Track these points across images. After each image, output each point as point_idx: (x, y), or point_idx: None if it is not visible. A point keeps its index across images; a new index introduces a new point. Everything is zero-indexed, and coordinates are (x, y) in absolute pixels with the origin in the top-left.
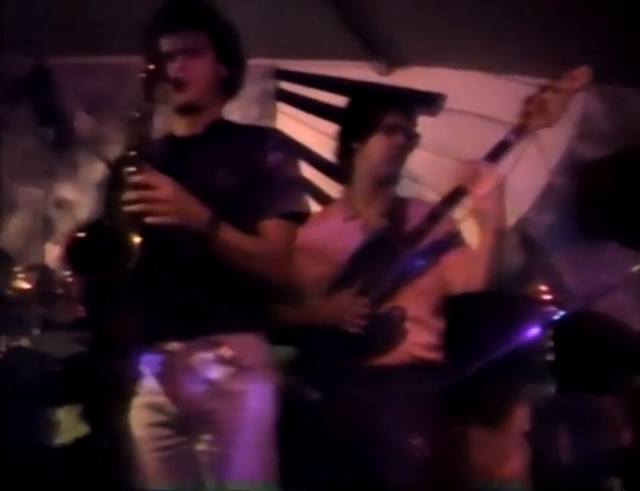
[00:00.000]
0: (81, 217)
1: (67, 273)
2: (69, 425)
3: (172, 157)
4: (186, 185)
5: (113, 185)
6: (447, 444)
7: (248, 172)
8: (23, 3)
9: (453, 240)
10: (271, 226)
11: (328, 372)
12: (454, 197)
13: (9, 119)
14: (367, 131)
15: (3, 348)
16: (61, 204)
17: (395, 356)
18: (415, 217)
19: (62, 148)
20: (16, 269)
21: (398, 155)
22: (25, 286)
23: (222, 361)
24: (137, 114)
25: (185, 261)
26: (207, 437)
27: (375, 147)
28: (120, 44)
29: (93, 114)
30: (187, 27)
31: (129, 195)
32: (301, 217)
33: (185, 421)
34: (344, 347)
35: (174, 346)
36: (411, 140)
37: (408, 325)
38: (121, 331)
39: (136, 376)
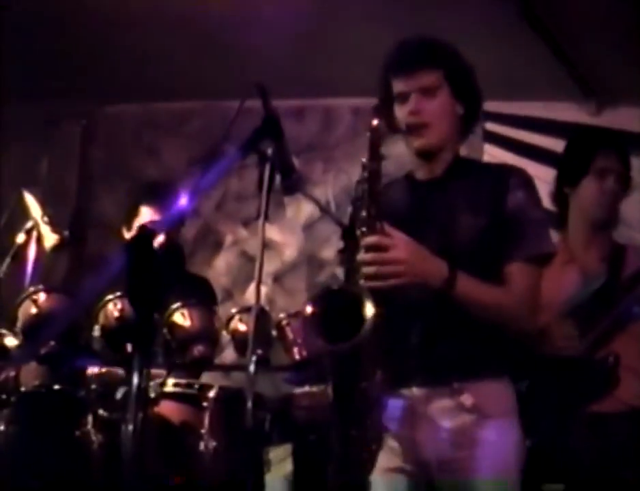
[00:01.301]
0: (287, 257)
1: (314, 339)
2: (279, 463)
3: (412, 201)
4: (427, 232)
5: (351, 248)
6: None
7: (492, 214)
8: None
9: None
10: (517, 271)
11: (545, 416)
12: None
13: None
14: (579, 174)
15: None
16: (268, 245)
17: (609, 405)
18: (634, 263)
19: (292, 194)
20: (233, 311)
21: (610, 199)
22: (242, 327)
23: (463, 408)
24: (365, 174)
25: (430, 308)
26: (447, 483)
27: (587, 191)
28: (327, 87)
29: (299, 158)
30: (422, 66)
31: (364, 257)
32: (547, 258)
33: (425, 468)
34: (560, 392)
35: (415, 391)
36: (624, 183)
37: (622, 374)
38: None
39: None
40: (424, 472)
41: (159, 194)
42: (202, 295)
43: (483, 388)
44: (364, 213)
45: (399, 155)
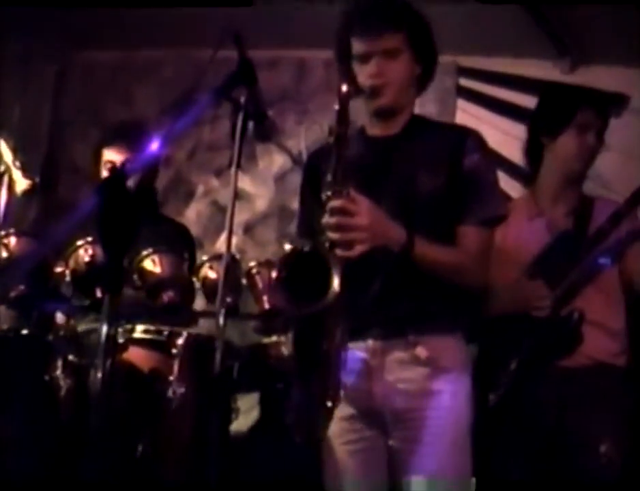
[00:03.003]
0: (258, 208)
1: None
2: (247, 411)
3: (370, 159)
4: (387, 189)
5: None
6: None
7: (448, 174)
8: None
9: (634, 238)
10: (471, 233)
11: (511, 372)
12: (638, 197)
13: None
14: (558, 127)
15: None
16: (239, 195)
17: (576, 360)
18: (600, 217)
19: (265, 141)
20: (204, 258)
21: (589, 154)
22: (212, 275)
23: (418, 361)
24: (331, 139)
25: (388, 264)
26: (400, 434)
27: (567, 144)
28: (301, 38)
29: (272, 108)
30: (386, 29)
31: (328, 221)
32: (499, 221)
33: (377, 415)
34: (527, 348)
35: (371, 343)
36: (601, 140)
37: (588, 329)
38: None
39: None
40: (378, 421)
41: (124, 135)
42: (176, 241)
43: (437, 341)
44: (329, 177)
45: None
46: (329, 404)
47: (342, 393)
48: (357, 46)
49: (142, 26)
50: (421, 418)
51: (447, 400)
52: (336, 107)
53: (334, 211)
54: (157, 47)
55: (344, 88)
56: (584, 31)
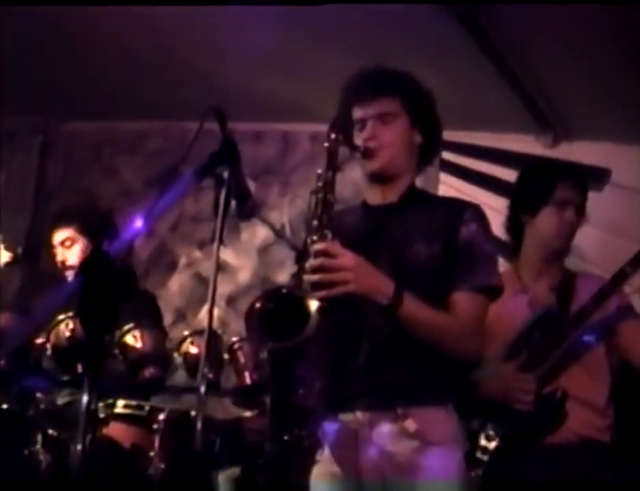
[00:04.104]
0: (241, 280)
1: (252, 338)
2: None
3: (366, 226)
4: (380, 256)
5: (302, 254)
6: None
7: (444, 243)
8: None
9: (626, 313)
10: (463, 300)
11: (493, 450)
12: (622, 276)
13: (192, 189)
14: (538, 203)
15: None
16: (222, 267)
17: (561, 436)
18: (583, 292)
19: (247, 219)
20: (186, 333)
21: (569, 230)
22: (194, 350)
23: (406, 434)
24: (320, 184)
25: (378, 330)
26: None
27: (546, 221)
28: (285, 112)
29: (257, 181)
30: (381, 94)
31: (312, 263)
32: (495, 291)
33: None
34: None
35: (359, 415)
36: (582, 215)
37: (572, 405)
38: (304, 398)
39: (317, 444)
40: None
41: (69, 218)
42: (148, 311)
43: (427, 414)
44: (315, 222)
45: (355, 180)
46: (306, 443)
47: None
48: (355, 112)
49: (127, 97)
50: None
51: (436, 475)
52: (325, 152)
53: (318, 253)
54: (141, 119)
55: (333, 135)
56: (566, 106)
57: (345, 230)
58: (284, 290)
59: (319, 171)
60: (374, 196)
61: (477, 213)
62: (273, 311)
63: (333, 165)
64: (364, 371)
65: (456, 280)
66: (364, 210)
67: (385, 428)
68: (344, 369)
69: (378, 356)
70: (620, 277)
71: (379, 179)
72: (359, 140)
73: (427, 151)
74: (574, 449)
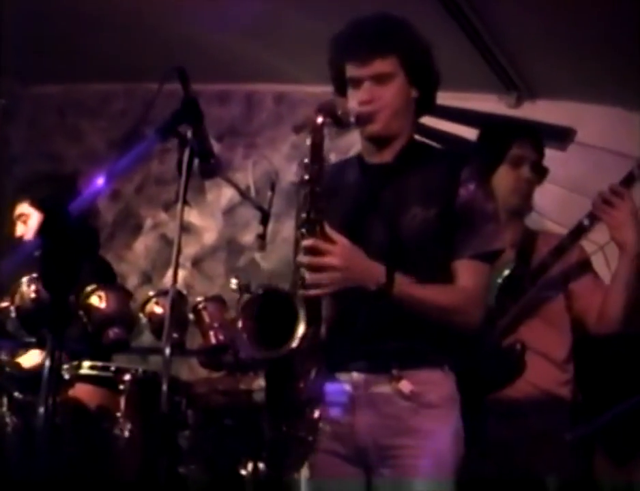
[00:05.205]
0: (206, 241)
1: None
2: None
3: (363, 186)
4: (377, 220)
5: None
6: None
7: (442, 205)
8: None
9: (583, 268)
10: (465, 269)
11: None
12: (581, 229)
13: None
14: (493, 163)
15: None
16: (187, 229)
17: (520, 388)
18: (544, 250)
19: (210, 178)
20: (150, 294)
21: (525, 187)
22: (158, 310)
23: (401, 395)
24: (306, 176)
25: (371, 301)
26: (384, 471)
27: (502, 179)
28: (249, 71)
29: (221, 142)
30: (377, 53)
31: (301, 260)
32: (497, 255)
33: (361, 453)
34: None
35: (354, 376)
36: (539, 172)
37: (532, 358)
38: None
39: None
40: (361, 457)
41: (35, 188)
42: (110, 274)
43: (422, 375)
44: (304, 215)
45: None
46: (310, 438)
47: (323, 426)
48: (349, 70)
49: (91, 59)
50: (404, 456)
51: (431, 438)
52: (309, 142)
53: (307, 250)
54: (106, 81)
55: (319, 119)
56: (530, 65)
57: (341, 185)
58: (272, 291)
59: (306, 160)
60: (372, 154)
61: (475, 169)
62: (262, 315)
63: (319, 155)
64: (361, 336)
65: (456, 247)
66: (360, 168)
67: (380, 389)
68: (342, 335)
69: (374, 323)
70: (579, 231)
71: (376, 140)
72: (353, 101)
73: (424, 104)
74: (534, 405)
